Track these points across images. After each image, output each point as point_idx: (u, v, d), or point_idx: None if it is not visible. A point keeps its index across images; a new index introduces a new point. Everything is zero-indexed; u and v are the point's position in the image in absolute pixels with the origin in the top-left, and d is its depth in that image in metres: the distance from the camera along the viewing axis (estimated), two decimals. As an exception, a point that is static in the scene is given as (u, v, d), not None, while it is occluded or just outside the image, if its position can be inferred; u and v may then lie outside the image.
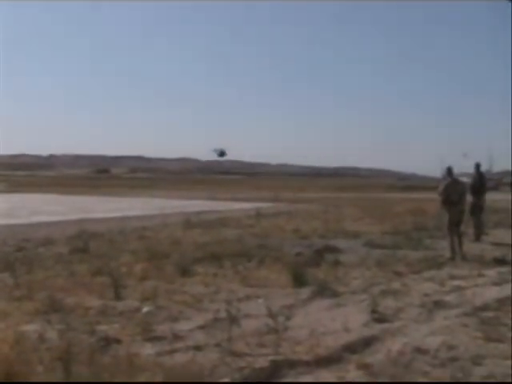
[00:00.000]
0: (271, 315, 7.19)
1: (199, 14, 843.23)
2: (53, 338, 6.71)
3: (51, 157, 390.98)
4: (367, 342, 7.05)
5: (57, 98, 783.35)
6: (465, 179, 29.72)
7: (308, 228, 20.73)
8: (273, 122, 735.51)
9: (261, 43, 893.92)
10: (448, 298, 9.55)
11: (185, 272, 11.47)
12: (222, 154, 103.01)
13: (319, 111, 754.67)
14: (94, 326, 7.49)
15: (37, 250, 14.81)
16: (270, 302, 8.74)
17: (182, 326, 7.74)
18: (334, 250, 14.83)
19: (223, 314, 7.65)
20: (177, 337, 7.26)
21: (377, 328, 7.74)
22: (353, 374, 6.03)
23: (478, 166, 19.11)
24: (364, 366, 6.18)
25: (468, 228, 18.67)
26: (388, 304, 9.04)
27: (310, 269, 11.72)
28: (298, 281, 10.61)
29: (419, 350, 6.73)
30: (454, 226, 14.74)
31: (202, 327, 7.72)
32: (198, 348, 6.81)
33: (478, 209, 18.19)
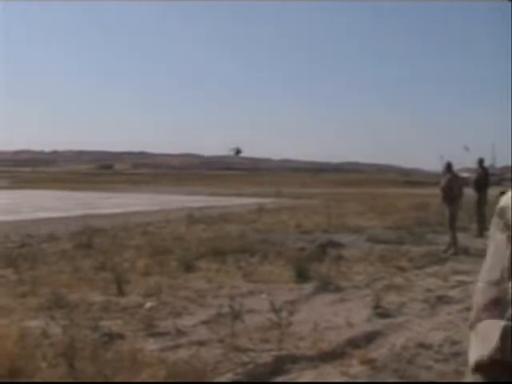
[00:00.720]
0: (274, 310, 7.20)
1: (197, 9, 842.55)
2: (56, 333, 6.71)
3: (54, 153, 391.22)
4: (370, 337, 7.06)
5: (59, 95, 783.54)
6: (467, 174, 29.59)
7: (311, 223, 20.72)
8: (275, 117, 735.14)
9: (262, 40, 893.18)
10: (451, 293, 9.56)
11: (188, 267, 11.48)
12: (238, 152, 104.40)
13: (321, 106, 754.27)
14: (98, 321, 7.49)
15: (40, 245, 14.83)
16: (273, 297, 8.74)
17: (186, 322, 7.76)
18: (336, 244, 14.84)
19: (226, 310, 7.66)
20: (180, 332, 7.27)
21: (380, 323, 7.75)
22: (356, 369, 6.03)
23: (481, 160, 18.97)
24: (367, 361, 6.19)
25: (472, 223, 18.66)
26: (391, 299, 9.04)
27: (313, 264, 11.73)
28: (301, 276, 10.62)
29: (422, 345, 6.73)
30: (456, 221, 14.74)
31: (205, 323, 7.73)
32: (201, 343, 6.82)
33: (481, 204, 18.13)
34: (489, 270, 1.13)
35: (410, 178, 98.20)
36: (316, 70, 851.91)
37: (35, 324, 7.31)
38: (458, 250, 14.06)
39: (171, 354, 6.37)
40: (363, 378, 5.83)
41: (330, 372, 6.05)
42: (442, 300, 9.07)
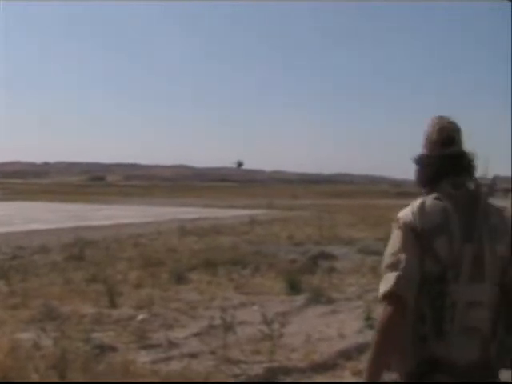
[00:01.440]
0: (266, 322, 7.20)
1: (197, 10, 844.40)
2: (48, 345, 6.70)
3: (45, 164, 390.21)
4: (362, 349, 7.06)
5: (50, 105, 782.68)
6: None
7: (302, 235, 20.77)
8: (267, 129, 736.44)
9: (260, 46, 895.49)
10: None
11: (180, 279, 11.48)
12: (240, 164, 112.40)
13: (313, 118, 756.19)
14: (89, 333, 7.47)
15: (32, 257, 14.80)
16: (264, 309, 8.75)
17: (177, 334, 7.76)
18: (328, 256, 14.87)
19: (218, 322, 7.66)
20: (172, 344, 7.27)
21: (372, 334, 7.75)
22: (348, 380, 6.04)
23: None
24: (359, 373, 6.18)
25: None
26: (383, 310, 9.05)
27: (305, 276, 11.76)
28: (293, 288, 10.63)
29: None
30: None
31: (197, 334, 7.73)
32: (193, 355, 6.82)
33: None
34: None
35: (402, 189, 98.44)
36: (311, 80, 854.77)
37: (26, 336, 7.29)
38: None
39: (163, 366, 6.36)
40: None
41: (322, 383, 6.06)
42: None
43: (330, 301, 9.85)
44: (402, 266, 2.32)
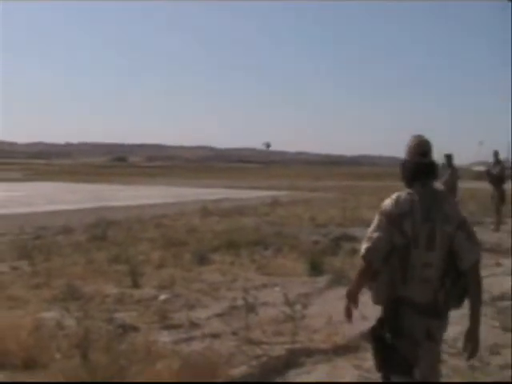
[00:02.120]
0: (288, 303, 7.18)
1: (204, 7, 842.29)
2: (71, 325, 6.75)
3: (68, 145, 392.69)
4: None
5: (74, 87, 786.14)
6: (482, 168, 29.58)
7: (325, 216, 20.66)
8: (290, 110, 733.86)
9: (275, 36, 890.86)
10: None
11: (202, 260, 11.49)
12: (268, 145, 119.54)
13: (336, 99, 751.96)
14: (112, 313, 7.52)
15: (55, 237, 14.89)
16: (286, 290, 8.71)
17: (199, 314, 7.77)
18: (351, 238, 14.77)
19: (240, 302, 7.67)
20: (194, 325, 7.28)
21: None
22: (370, 363, 5.99)
23: (496, 153, 18.21)
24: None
25: (486, 217, 18.57)
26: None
27: (327, 257, 11.71)
28: (315, 269, 10.60)
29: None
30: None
31: (218, 315, 7.74)
32: (214, 336, 6.83)
33: (498, 199, 17.72)
34: None
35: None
36: (335, 63, 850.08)
37: (50, 315, 7.35)
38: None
39: (185, 346, 6.38)
40: (376, 372, 5.80)
41: (344, 365, 6.04)
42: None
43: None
44: (372, 240, 3.74)
